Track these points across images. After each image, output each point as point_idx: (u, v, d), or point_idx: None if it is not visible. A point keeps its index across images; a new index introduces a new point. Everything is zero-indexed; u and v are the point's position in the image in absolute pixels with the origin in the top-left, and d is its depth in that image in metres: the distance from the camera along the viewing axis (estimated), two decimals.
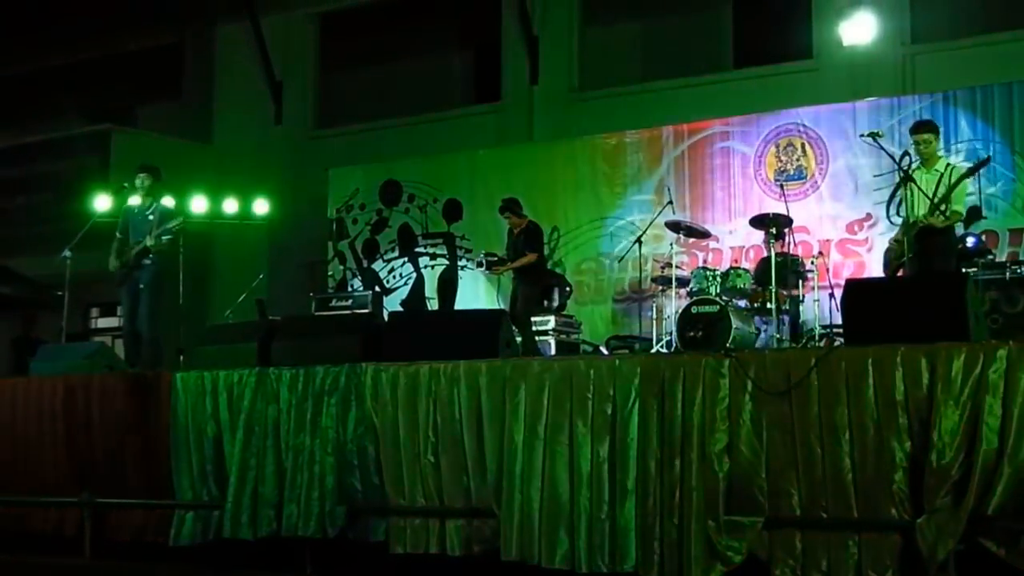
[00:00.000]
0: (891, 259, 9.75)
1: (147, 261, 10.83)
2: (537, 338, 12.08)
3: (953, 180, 9.31)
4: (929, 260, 9.21)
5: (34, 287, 16.94)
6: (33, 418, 9.52)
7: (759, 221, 11.58)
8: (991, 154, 11.88)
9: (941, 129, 12.11)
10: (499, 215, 12.54)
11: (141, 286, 10.84)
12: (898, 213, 11.30)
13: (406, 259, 15.70)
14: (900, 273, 9.45)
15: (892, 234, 10.79)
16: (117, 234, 11.15)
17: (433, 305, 15.30)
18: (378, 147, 17.13)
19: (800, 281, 11.34)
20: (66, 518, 9.33)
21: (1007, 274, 10.44)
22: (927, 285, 7.80)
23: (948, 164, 9.62)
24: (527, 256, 12.04)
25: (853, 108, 12.97)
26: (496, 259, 12.53)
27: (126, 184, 11.50)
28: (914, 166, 9.69)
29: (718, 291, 11.14)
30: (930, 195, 9.31)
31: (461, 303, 15.08)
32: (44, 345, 11.90)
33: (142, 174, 11.18)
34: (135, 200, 11.18)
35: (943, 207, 9.26)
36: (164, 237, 10.76)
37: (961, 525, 6.16)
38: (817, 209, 12.92)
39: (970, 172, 9.71)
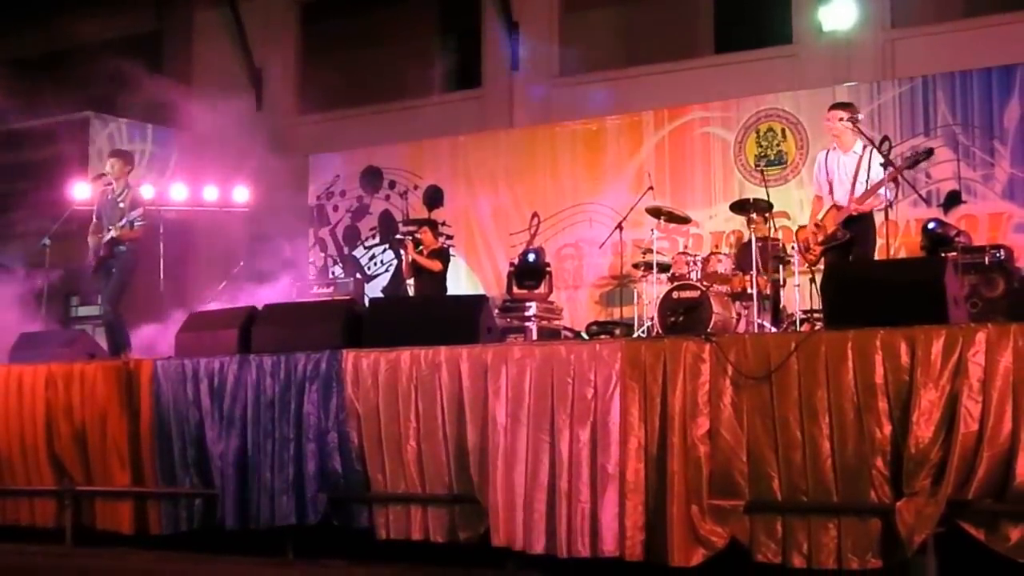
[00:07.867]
0: (811, 243, 9.38)
1: (121, 248, 10.77)
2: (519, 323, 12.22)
3: (873, 163, 8.96)
4: (858, 246, 9.01)
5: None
6: (13, 407, 9.49)
7: (740, 206, 11.60)
8: (971, 140, 11.95)
9: (919, 113, 12.18)
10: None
11: (114, 271, 10.79)
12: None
13: (387, 246, 15.68)
14: (823, 259, 9.19)
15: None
16: (94, 219, 11.11)
17: None
18: (359, 133, 17.06)
19: (780, 266, 11.35)
20: (47, 507, 9.31)
21: (986, 258, 10.50)
22: (907, 269, 7.84)
23: (864, 146, 9.24)
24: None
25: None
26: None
27: (105, 171, 11.45)
28: (830, 149, 9.50)
29: (699, 276, 11.15)
30: (850, 179, 9.06)
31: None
32: (24, 333, 11.83)
33: (111, 159, 11.14)
34: (109, 185, 11.14)
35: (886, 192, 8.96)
36: (136, 224, 10.72)
37: (940, 508, 6.18)
38: (797, 194, 12.94)
39: (912, 164, 9.53)
